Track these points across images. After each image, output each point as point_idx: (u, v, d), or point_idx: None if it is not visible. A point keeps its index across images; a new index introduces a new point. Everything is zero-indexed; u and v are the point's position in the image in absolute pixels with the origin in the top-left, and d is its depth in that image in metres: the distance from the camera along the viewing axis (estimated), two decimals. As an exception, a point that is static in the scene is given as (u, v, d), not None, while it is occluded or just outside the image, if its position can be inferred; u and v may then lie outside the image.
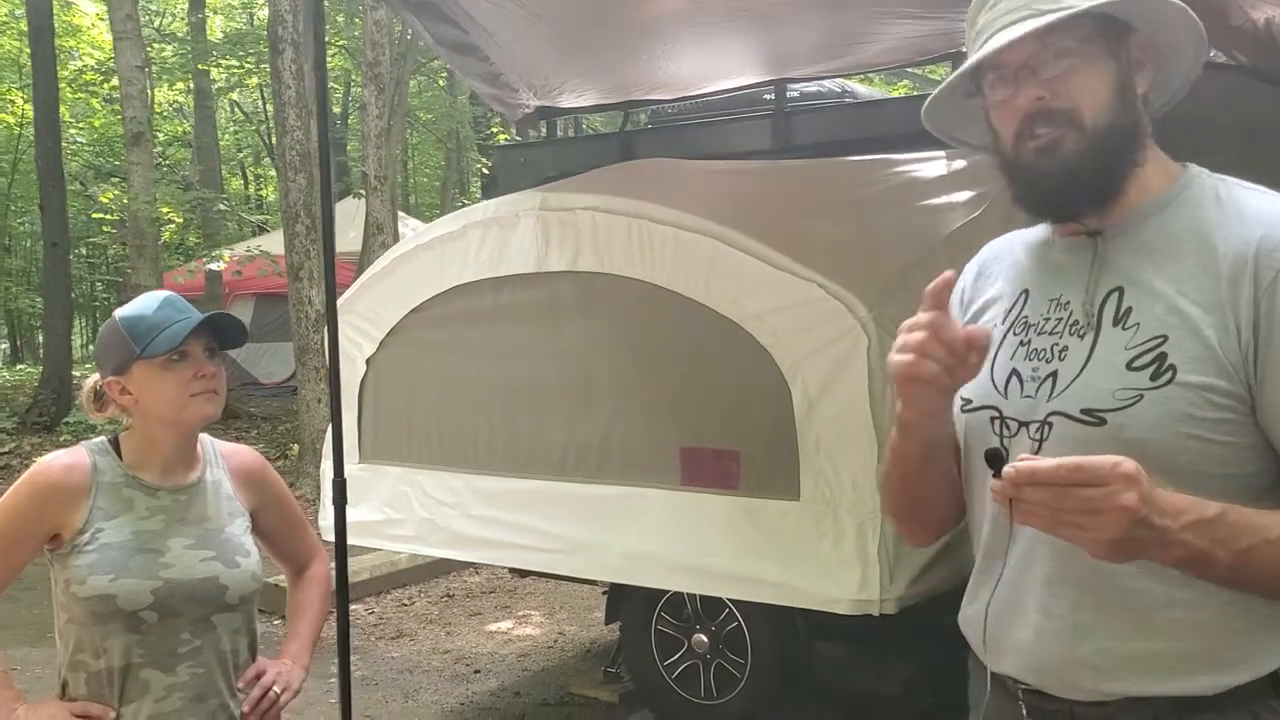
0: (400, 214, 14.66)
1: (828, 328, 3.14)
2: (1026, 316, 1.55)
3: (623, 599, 4.55)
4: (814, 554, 3.16)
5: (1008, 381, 1.52)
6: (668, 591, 4.17)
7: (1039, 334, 1.51)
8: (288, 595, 2.42)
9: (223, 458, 2.26)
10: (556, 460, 3.69)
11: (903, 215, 3.72)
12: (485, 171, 17.46)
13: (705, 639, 4.21)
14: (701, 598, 4.13)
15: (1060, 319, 1.50)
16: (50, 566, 2.09)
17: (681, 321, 3.43)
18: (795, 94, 5.23)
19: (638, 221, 3.47)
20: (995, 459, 1.26)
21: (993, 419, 1.52)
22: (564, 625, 6.10)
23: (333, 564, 2.72)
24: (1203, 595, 1.36)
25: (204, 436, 2.24)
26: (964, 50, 4.37)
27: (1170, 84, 1.56)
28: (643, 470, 3.52)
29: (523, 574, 5.23)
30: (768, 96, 5.02)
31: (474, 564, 6.44)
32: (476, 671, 5.43)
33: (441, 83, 20.07)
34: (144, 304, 2.10)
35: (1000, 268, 1.67)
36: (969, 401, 1.55)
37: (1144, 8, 1.45)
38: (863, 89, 6.10)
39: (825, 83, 5.34)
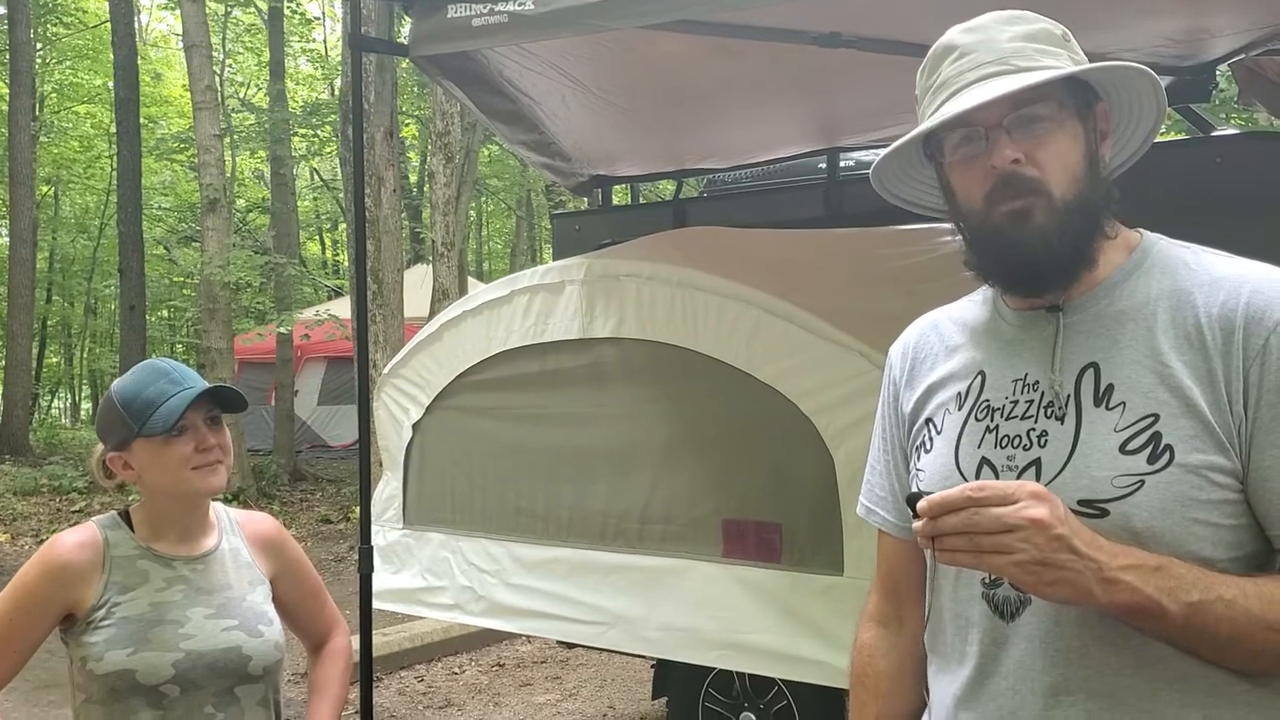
0: (472, 280, 14.83)
1: (872, 399, 3.04)
2: (988, 400, 1.42)
3: (670, 674, 4.44)
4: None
5: (978, 472, 1.39)
6: (715, 667, 4.06)
7: (1007, 419, 1.39)
8: (308, 671, 2.36)
9: (239, 525, 2.22)
10: (597, 529, 3.63)
11: (952, 286, 3.62)
12: (555, 238, 17.62)
13: (754, 718, 4.09)
14: (750, 674, 4.01)
15: (1030, 401, 1.37)
16: (66, 647, 2.04)
17: (724, 390, 3.37)
18: (851, 162, 5.18)
19: (681, 289, 3.44)
20: (914, 501, 1.24)
21: None
22: (614, 699, 5.98)
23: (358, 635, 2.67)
24: (1218, 699, 1.25)
25: (217, 505, 2.21)
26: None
27: (1127, 147, 1.48)
28: (683, 541, 3.44)
29: (570, 645, 5.15)
30: (822, 165, 5.00)
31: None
32: (522, 744, 5.35)
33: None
34: (139, 378, 2.05)
35: (935, 348, 1.57)
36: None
37: (1117, 76, 1.39)
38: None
39: (881, 152, 5.29)
